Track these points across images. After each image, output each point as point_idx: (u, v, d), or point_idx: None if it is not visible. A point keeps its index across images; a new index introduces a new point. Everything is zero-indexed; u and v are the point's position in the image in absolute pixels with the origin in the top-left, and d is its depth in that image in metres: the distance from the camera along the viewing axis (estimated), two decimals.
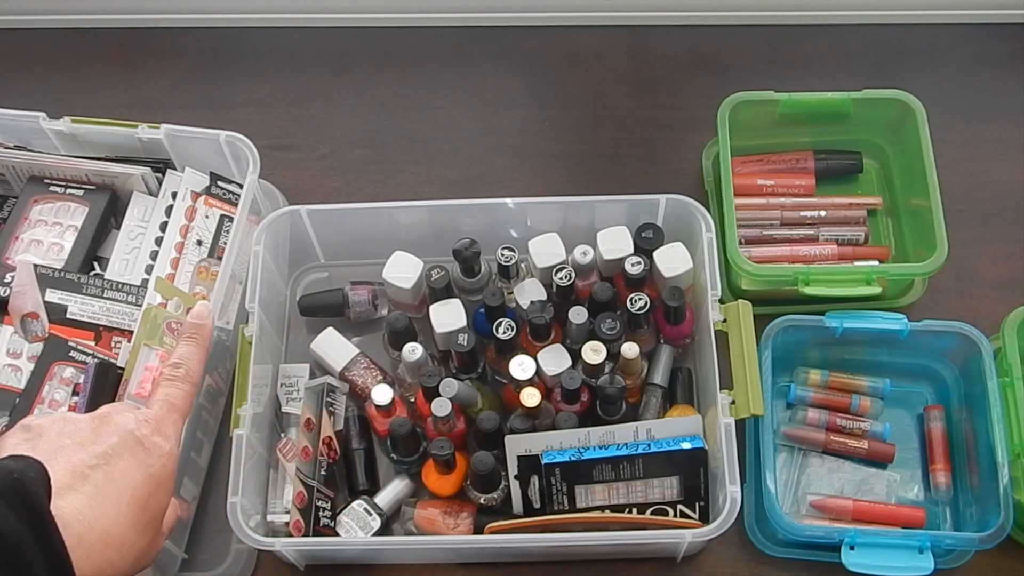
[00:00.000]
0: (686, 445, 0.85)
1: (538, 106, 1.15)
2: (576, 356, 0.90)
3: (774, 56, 1.17)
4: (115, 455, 0.62)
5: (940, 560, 0.87)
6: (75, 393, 0.88)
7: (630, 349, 0.89)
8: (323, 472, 0.90)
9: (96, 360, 0.89)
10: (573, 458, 0.85)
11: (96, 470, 0.61)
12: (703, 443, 0.85)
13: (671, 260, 0.92)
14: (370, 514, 0.90)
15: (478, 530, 0.89)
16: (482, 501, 0.89)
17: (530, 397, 0.87)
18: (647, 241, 0.94)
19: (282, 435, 0.94)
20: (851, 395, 0.97)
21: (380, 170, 1.11)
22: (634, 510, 0.87)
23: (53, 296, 0.91)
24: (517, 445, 0.86)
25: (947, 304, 1.02)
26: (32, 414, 0.87)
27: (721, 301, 0.88)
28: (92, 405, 0.86)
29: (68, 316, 0.91)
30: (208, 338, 0.75)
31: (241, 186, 0.97)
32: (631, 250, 0.93)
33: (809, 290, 0.94)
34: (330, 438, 0.92)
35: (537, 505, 0.87)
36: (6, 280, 0.93)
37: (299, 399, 0.94)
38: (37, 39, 1.20)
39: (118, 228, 0.98)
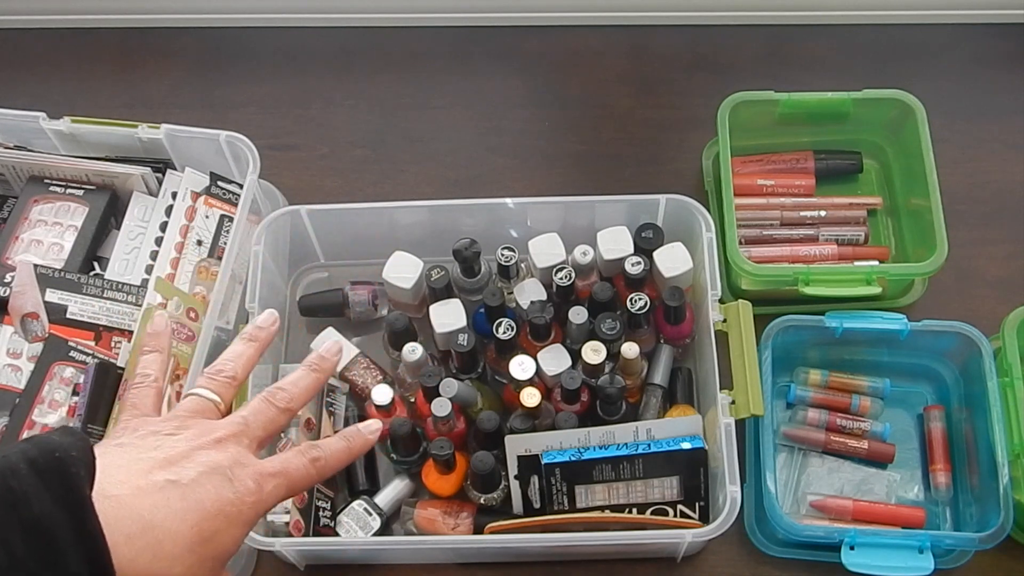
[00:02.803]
0: (686, 445, 0.85)
1: (538, 106, 1.15)
2: (576, 356, 0.90)
3: (774, 56, 1.17)
4: (197, 482, 0.59)
5: (940, 560, 0.87)
6: (75, 393, 0.88)
7: (630, 349, 0.89)
8: None
9: (96, 360, 0.89)
10: (573, 458, 0.85)
11: (173, 486, 0.58)
12: (703, 443, 0.85)
13: (671, 260, 0.92)
14: (370, 514, 0.90)
15: (478, 530, 0.89)
16: (482, 501, 0.89)
17: (530, 397, 0.87)
18: (647, 241, 0.94)
19: (282, 435, 0.94)
20: (851, 395, 0.97)
21: (380, 170, 1.11)
22: (634, 510, 0.87)
23: (53, 296, 0.91)
24: (517, 445, 0.86)
25: (947, 304, 1.02)
26: (32, 414, 0.87)
27: (721, 301, 0.88)
28: (92, 405, 0.86)
29: (68, 316, 0.91)
30: (360, 451, 0.71)
31: (241, 186, 0.97)
32: (631, 250, 0.93)
33: (809, 290, 0.94)
34: None
35: (537, 505, 0.87)
36: (6, 280, 0.93)
37: None
38: (37, 39, 1.20)
39: (118, 228, 0.98)
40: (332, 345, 0.74)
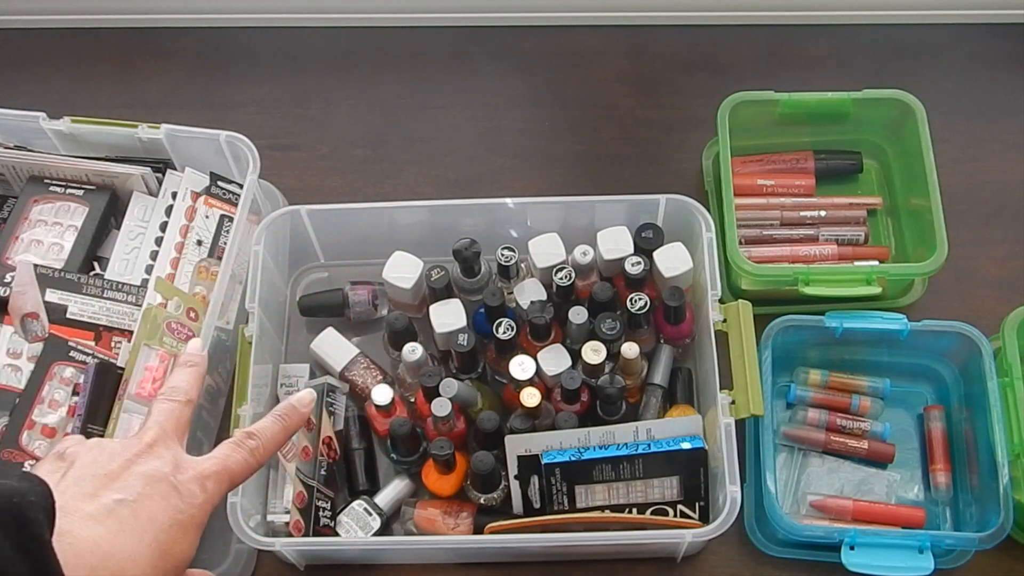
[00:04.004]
0: (686, 445, 0.85)
1: (538, 106, 1.15)
2: (576, 356, 0.90)
3: (774, 56, 1.17)
4: (145, 495, 0.59)
5: (940, 560, 0.87)
6: (75, 393, 0.88)
7: (630, 349, 0.89)
8: (323, 472, 0.90)
9: (96, 360, 0.89)
10: (573, 458, 0.85)
11: (123, 505, 0.58)
12: (703, 443, 0.85)
13: (671, 260, 0.92)
14: (370, 514, 0.90)
15: (478, 530, 0.89)
16: (482, 501, 0.89)
17: (530, 397, 0.87)
18: (647, 241, 0.94)
19: None
20: (851, 395, 0.97)
21: (380, 170, 1.11)
22: (634, 510, 0.87)
23: (53, 296, 0.91)
24: (517, 445, 0.86)
25: (947, 304, 1.02)
26: (32, 414, 0.87)
27: (721, 301, 0.88)
28: (92, 405, 0.86)
29: (68, 316, 0.91)
30: (297, 426, 0.71)
31: (241, 186, 0.97)
32: (631, 250, 0.93)
33: (809, 290, 0.94)
34: (330, 438, 0.92)
35: (537, 505, 0.87)
36: (6, 280, 0.93)
37: None
38: (37, 39, 1.20)
39: (118, 228, 0.98)
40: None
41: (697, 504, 0.86)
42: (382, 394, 0.89)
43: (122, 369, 0.89)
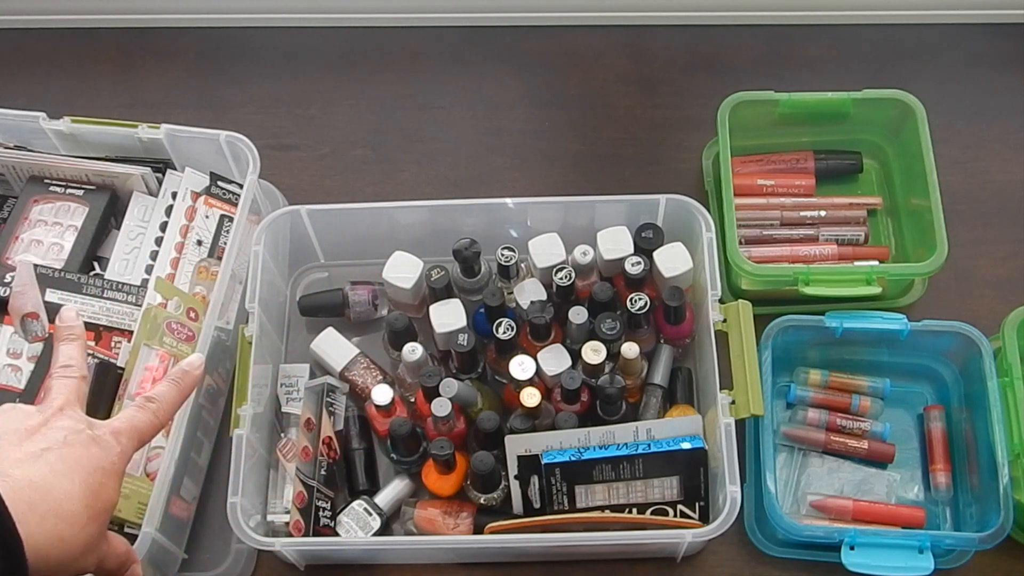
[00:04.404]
0: (686, 445, 0.85)
1: (538, 106, 1.15)
2: (576, 356, 0.90)
3: (774, 56, 1.17)
4: (67, 443, 0.63)
5: (940, 560, 0.87)
6: None
7: (630, 349, 0.89)
8: (323, 472, 0.90)
9: (96, 360, 0.89)
10: (573, 458, 0.85)
11: (49, 452, 0.61)
12: (703, 443, 0.85)
13: (671, 260, 0.92)
14: (370, 514, 0.90)
15: (478, 530, 0.89)
16: (482, 501, 0.89)
17: (530, 397, 0.87)
18: (647, 241, 0.94)
19: (282, 435, 0.94)
20: (851, 395, 0.97)
21: (380, 170, 1.11)
22: (634, 510, 0.87)
23: (53, 296, 0.91)
24: (517, 445, 0.86)
25: (947, 304, 1.02)
26: None
27: (721, 301, 0.88)
28: (92, 405, 0.86)
29: None
30: (191, 388, 0.74)
31: (241, 186, 0.97)
32: (631, 250, 0.93)
33: (809, 290, 0.94)
34: (330, 438, 0.92)
35: (537, 505, 0.88)
36: (6, 280, 0.93)
37: (299, 399, 0.95)
38: (37, 39, 1.20)
39: (118, 228, 0.98)
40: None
41: (697, 504, 0.86)
42: (382, 394, 0.89)
43: (122, 369, 0.89)
